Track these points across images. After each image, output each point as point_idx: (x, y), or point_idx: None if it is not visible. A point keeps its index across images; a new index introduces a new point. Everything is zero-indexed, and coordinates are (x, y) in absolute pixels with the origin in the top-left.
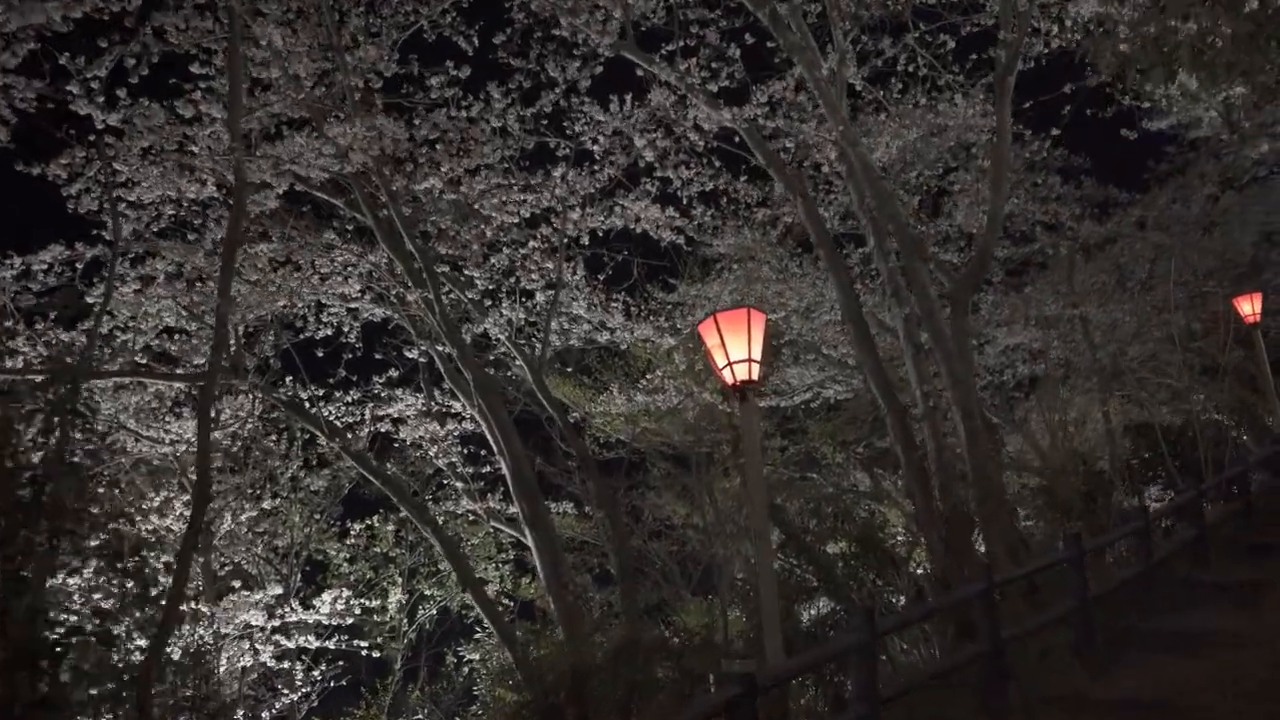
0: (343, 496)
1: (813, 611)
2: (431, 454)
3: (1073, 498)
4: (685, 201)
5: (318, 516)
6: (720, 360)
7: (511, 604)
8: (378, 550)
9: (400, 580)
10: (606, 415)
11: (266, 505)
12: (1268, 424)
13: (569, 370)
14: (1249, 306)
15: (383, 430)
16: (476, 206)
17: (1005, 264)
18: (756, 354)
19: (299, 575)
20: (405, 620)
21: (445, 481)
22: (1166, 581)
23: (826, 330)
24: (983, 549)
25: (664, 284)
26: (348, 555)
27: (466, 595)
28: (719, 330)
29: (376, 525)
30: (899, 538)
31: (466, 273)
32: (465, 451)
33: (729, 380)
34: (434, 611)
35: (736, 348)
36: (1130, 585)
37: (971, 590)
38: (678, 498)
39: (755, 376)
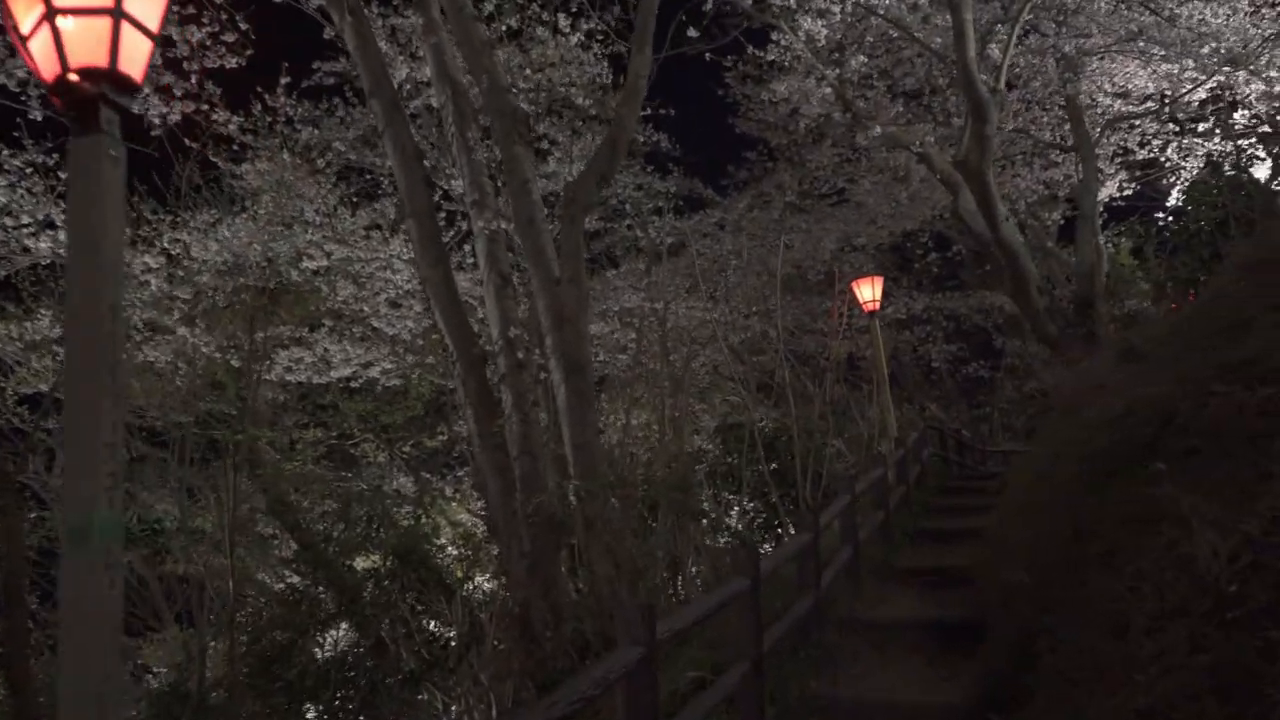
0: None
1: (333, 636)
2: None
3: (696, 502)
4: (197, 85)
5: None
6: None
7: None
8: None
9: None
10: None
11: None
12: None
13: None
14: (869, 291)
15: None
16: None
17: (589, 244)
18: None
19: None
20: None
21: None
22: (834, 622)
23: (379, 300)
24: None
25: (164, 208)
26: None
27: None
28: None
29: None
30: (450, 552)
31: None
32: None
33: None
34: None
35: None
36: (800, 628)
37: (623, 660)
38: (173, 494)
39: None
